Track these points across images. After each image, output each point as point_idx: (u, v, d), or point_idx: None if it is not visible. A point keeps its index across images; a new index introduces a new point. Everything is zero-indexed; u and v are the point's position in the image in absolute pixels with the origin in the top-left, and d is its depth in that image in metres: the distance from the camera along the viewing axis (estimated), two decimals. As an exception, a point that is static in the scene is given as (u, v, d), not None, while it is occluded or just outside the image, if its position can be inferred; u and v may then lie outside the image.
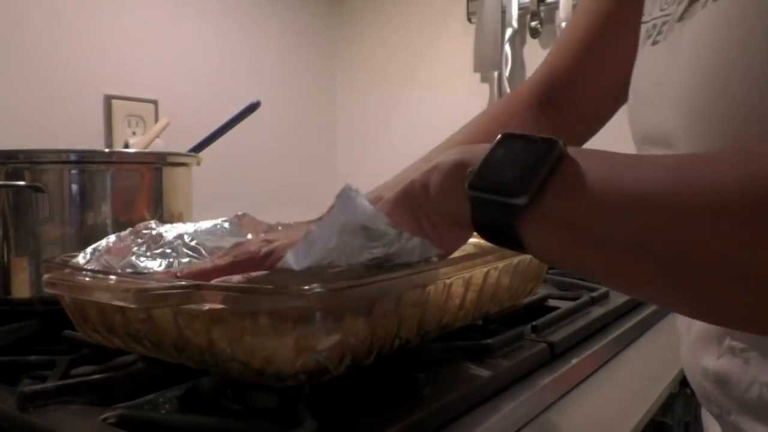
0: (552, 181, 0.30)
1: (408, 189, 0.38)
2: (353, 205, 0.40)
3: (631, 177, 0.29)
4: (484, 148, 0.34)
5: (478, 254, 0.54)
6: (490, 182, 0.32)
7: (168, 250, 0.57)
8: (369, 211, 0.40)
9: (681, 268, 0.27)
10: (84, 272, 0.45)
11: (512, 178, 0.31)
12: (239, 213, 0.62)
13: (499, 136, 0.34)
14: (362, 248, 0.40)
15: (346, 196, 0.40)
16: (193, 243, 0.58)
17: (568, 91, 0.60)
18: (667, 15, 0.41)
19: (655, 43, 0.42)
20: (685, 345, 0.46)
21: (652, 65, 0.42)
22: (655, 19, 0.42)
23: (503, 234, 0.32)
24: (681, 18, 0.38)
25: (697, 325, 0.42)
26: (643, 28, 0.45)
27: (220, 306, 0.38)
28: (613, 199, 0.29)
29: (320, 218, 0.41)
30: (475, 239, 0.69)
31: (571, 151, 0.31)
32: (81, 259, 0.51)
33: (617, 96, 0.55)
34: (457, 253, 0.61)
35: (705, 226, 0.26)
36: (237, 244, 0.48)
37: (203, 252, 0.58)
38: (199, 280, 0.40)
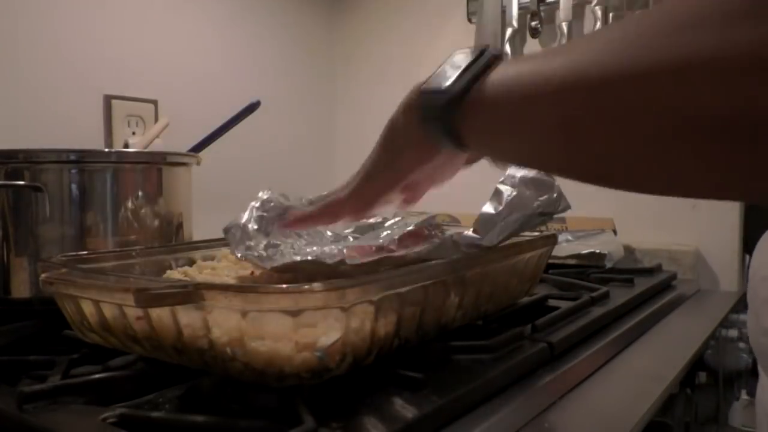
0: (485, 75, 0.35)
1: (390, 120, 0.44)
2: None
3: (559, 60, 0.29)
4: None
5: (476, 254, 0.54)
6: (434, 83, 0.38)
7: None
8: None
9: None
10: (81, 272, 0.45)
11: (451, 76, 0.36)
12: None
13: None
14: (533, 198, 0.54)
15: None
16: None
17: None
18: None
19: None
20: (752, 310, 0.50)
21: None
22: None
23: (447, 132, 0.37)
24: None
25: (765, 291, 0.44)
26: None
27: (220, 306, 0.38)
28: (539, 84, 0.30)
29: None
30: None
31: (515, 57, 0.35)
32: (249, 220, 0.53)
33: None
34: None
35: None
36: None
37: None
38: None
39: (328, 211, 0.48)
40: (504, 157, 0.38)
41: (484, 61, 0.36)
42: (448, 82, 0.36)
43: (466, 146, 0.37)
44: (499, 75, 0.34)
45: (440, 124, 0.37)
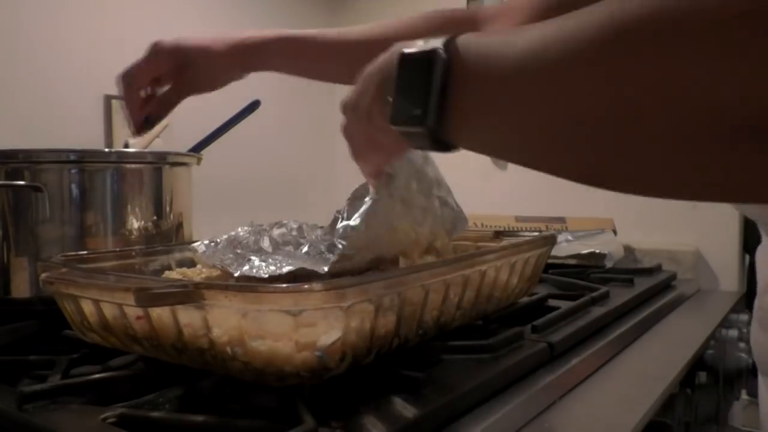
0: (449, 92, 0.32)
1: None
2: None
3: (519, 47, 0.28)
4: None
5: (476, 254, 0.54)
6: (404, 118, 0.34)
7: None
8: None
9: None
10: (81, 271, 0.45)
11: (418, 110, 0.33)
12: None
13: (395, 56, 0.35)
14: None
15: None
16: None
17: None
18: None
19: None
20: (755, 319, 0.52)
21: None
22: None
23: (437, 147, 0.35)
24: None
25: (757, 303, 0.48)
26: None
27: (220, 305, 0.38)
28: (508, 78, 0.29)
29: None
30: (471, 241, 0.69)
31: (463, 42, 0.32)
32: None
33: None
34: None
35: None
36: None
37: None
38: None
39: None
40: (496, 151, 0.34)
41: (440, 74, 0.32)
42: (419, 111, 0.33)
43: (460, 148, 0.35)
44: (465, 81, 0.32)
45: (428, 145, 0.35)
